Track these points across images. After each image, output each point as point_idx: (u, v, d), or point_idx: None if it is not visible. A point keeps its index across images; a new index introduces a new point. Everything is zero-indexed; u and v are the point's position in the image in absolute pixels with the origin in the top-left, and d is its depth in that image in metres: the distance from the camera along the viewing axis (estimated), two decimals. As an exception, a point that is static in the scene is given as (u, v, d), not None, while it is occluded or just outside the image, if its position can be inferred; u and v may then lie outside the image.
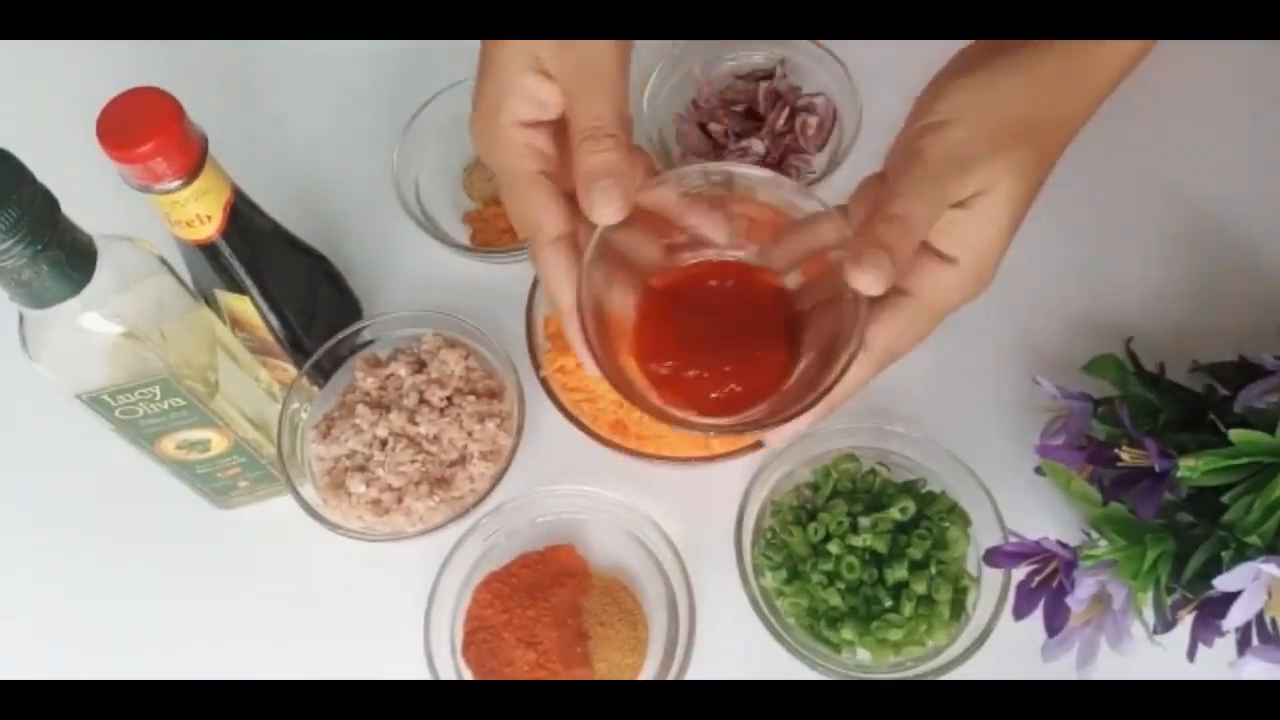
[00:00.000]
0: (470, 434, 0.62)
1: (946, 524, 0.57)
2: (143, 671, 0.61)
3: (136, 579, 0.64)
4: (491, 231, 0.71)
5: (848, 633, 0.56)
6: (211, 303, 0.61)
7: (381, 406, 0.62)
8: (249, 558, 0.64)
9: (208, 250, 0.57)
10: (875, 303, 0.47)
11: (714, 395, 0.51)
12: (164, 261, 0.52)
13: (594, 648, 0.59)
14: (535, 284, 0.63)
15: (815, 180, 0.69)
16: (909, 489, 0.59)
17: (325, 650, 0.61)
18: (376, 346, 0.66)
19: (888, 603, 0.56)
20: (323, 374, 0.65)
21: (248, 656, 0.61)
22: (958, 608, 0.57)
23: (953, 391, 0.64)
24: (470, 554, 0.61)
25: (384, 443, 0.62)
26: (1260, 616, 0.50)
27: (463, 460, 0.61)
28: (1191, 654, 0.51)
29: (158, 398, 0.53)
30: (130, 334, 0.50)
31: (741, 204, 0.53)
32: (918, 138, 0.47)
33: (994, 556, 0.54)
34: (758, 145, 0.70)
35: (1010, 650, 0.55)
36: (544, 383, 0.61)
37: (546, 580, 0.60)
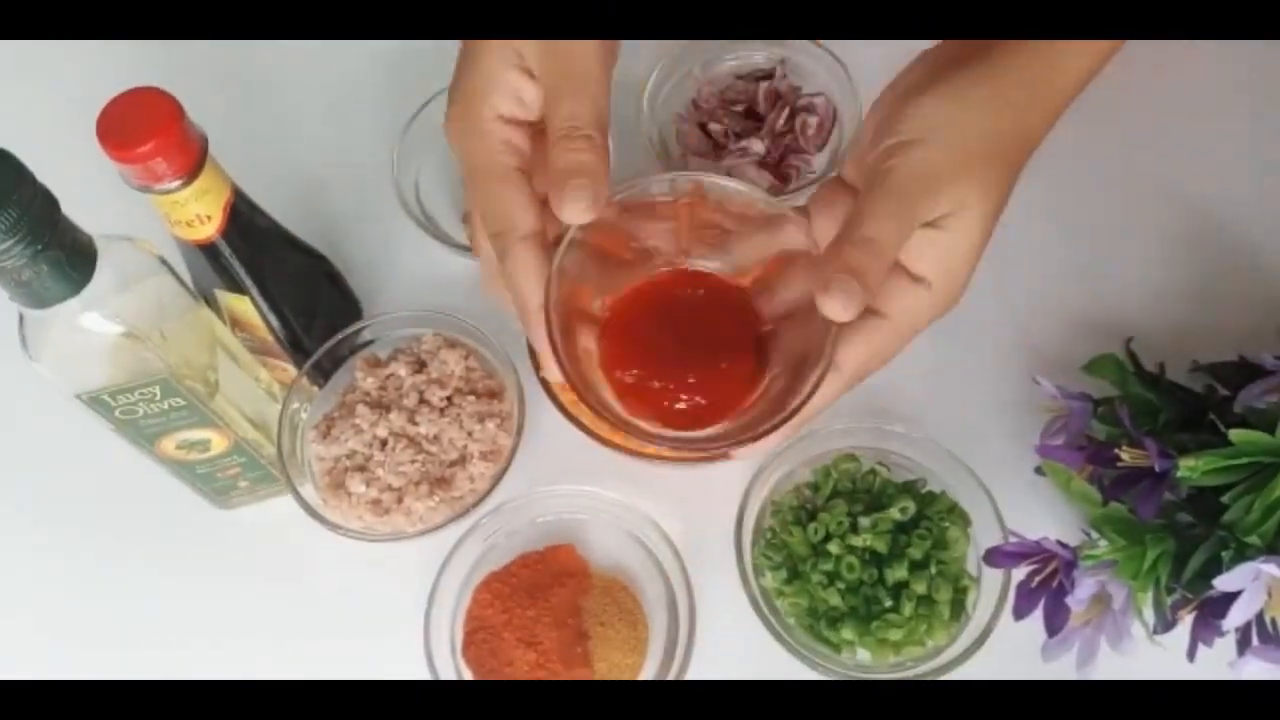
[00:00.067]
0: (470, 434, 0.62)
1: (946, 524, 0.57)
2: (143, 671, 0.61)
3: (136, 579, 0.64)
4: (491, 231, 0.71)
5: (848, 633, 0.56)
6: (211, 303, 0.61)
7: (381, 406, 0.62)
8: (249, 558, 0.64)
9: (208, 250, 0.57)
10: (846, 324, 0.46)
11: (678, 407, 0.51)
12: (164, 261, 0.52)
13: (594, 648, 0.59)
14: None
15: (815, 180, 0.69)
16: (909, 489, 0.59)
17: (325, 650, 0.61)
18: (376, 346, 0.66)
19: (888, 603, 0.56)
20: (323, 374, 0.65)
21: (248, 656, 0.61)
22: (958, 608, 0.57)
23: (953, 391, 0.64)
24: (470, 554, 0.61)
25: (384, 443, 0.62)
26: (1260, 616, 0.50)
27: (463, 460, 0.61)
28: (1191, 654, 0.51)
29: (158, 398, 0.53)
30: (130, 334, 0.50)
31: (712, 213, 0.52)
32: (886, 157, 0.47)
33: (994, 556, 0.54)
34: (758, 145, 0.70)
35: (1010, 650, 0.55)
36: (544, 383, 0.61)
37: (546, 580, 0.60)
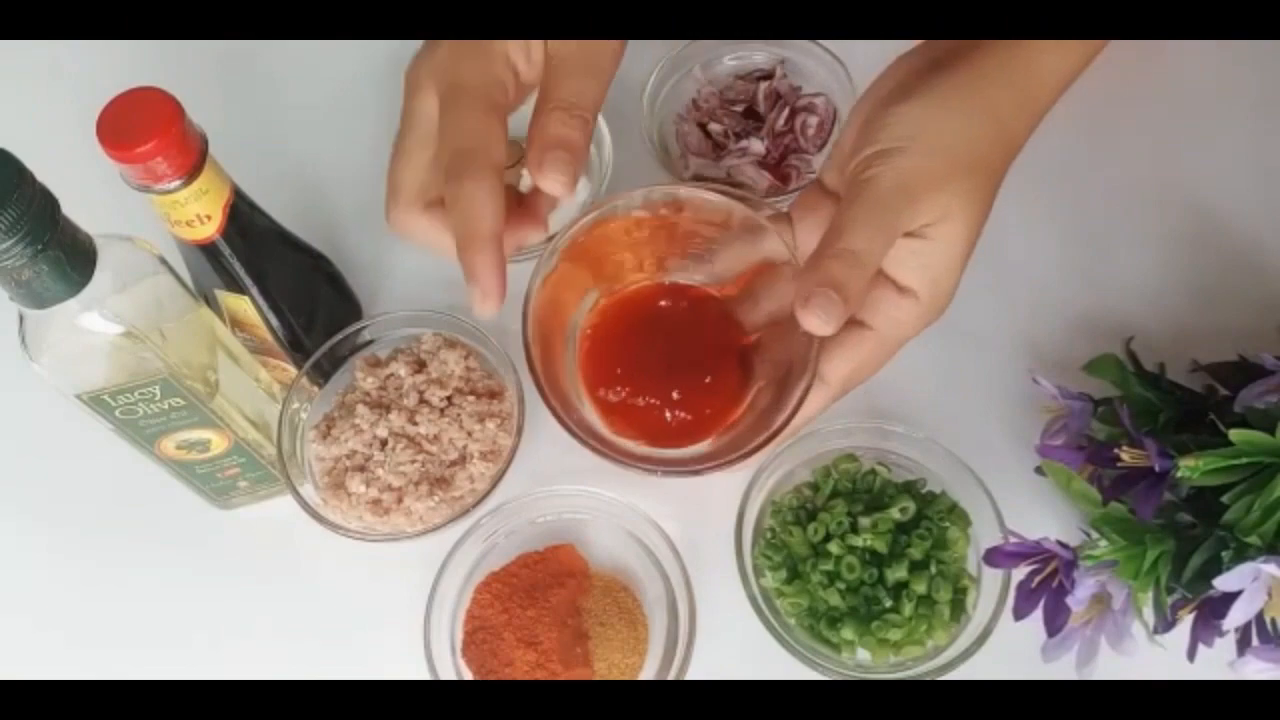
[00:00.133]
0: (470, 434, 0.62)
1: (946, 524, 0.57)
2: (143, 671, 0.61)
3: (136, 579, 0.64)
4: (491, 231, 0.71)
5: (848, 633, 0.56)
6: (211, 303, 0.61)
7: (381, 406, 0.62)
8: (249, 558, 0.64)
9: (208, 250, 0.57)
10: (831, 336, 0.46)
11: (664, 424, 0.51)
12: (164, 261, 0.52)
13: (594, 648, 0.59)
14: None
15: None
16: (909, 489, 0.59)
17: (325, 650, 0.61)
18: (376, 346, 0.66)
19: (888, 603, 0.56)
20: (323, 374, 0.65)
21: (248, 656, 0.61)
22: (958, 608, 0.57)
23: (953, 391, 0.64)
24: (470, 554, 0.61)
25: (384, 443, 0.62)
26: (1260, 616, 0.50)
27: (463, 460, 0.61)
28: (1191, 654, 0.51)
29: (158, 398, 0.53)
30: (130, 334, 0.50)
31: (691, 224, 0.52)
32: (865, 166, 0.46)
33: (994, 556, 0.54)
34: (758, 145, 0.70)
35: (1010, 650, 0.55)
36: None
37: (546, 580, 0.60)
